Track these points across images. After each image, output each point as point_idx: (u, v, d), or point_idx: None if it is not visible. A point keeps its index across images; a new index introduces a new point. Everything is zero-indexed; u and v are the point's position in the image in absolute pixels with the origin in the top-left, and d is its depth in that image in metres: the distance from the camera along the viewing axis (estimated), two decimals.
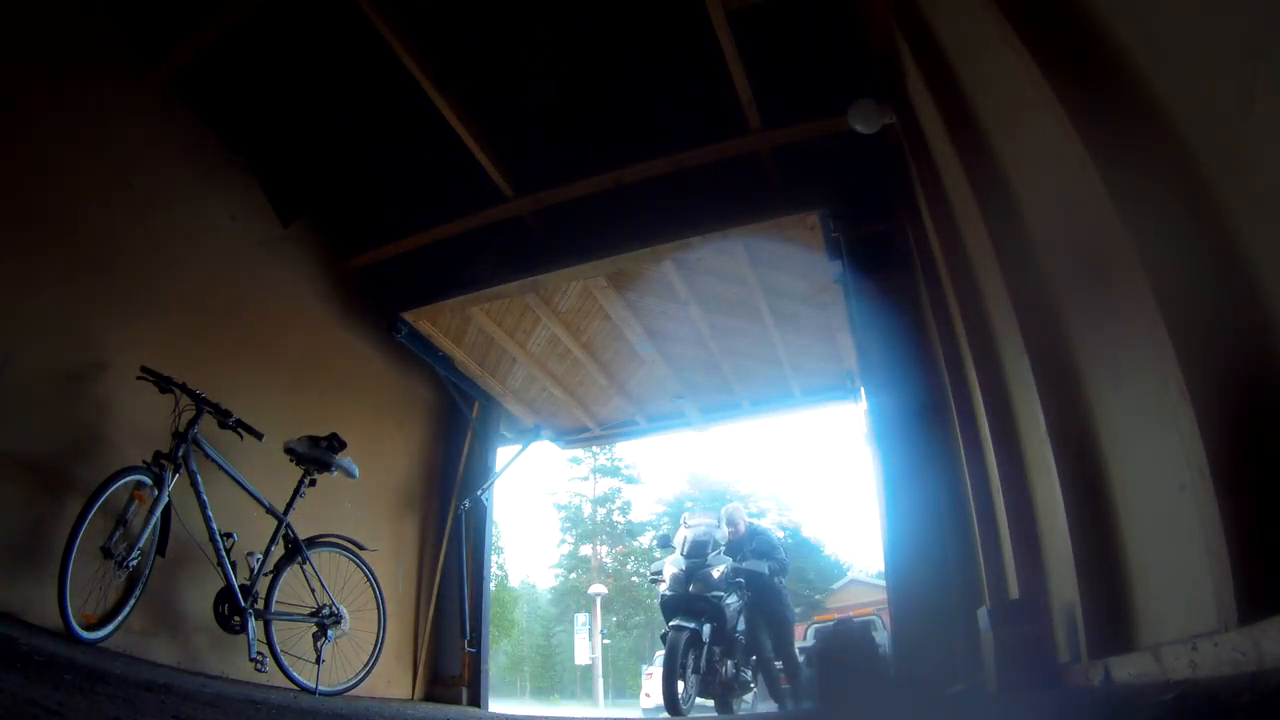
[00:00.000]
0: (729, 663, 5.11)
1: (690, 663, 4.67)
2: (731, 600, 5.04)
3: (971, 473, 3.17)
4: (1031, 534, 2.45)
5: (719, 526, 5.39)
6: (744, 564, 5.19)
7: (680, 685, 4.57)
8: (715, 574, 4.91)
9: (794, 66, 3.91)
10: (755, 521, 6.53)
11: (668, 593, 4.95)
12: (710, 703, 5.26)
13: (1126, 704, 1.42)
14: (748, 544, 5.52)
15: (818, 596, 28.81)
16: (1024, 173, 2.23)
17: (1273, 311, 1.11)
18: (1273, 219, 1.09)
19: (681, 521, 5.49)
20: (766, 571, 5.31)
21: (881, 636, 6.70)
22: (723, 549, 5.18)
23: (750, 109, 3.96)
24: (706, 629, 4.77)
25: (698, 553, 5.01)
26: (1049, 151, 1.77)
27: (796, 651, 5.53)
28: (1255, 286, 1.14)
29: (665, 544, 5.40)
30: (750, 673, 5.50)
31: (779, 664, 5.45)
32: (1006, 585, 2.78)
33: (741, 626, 5.22)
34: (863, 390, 5.01)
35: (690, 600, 4.80)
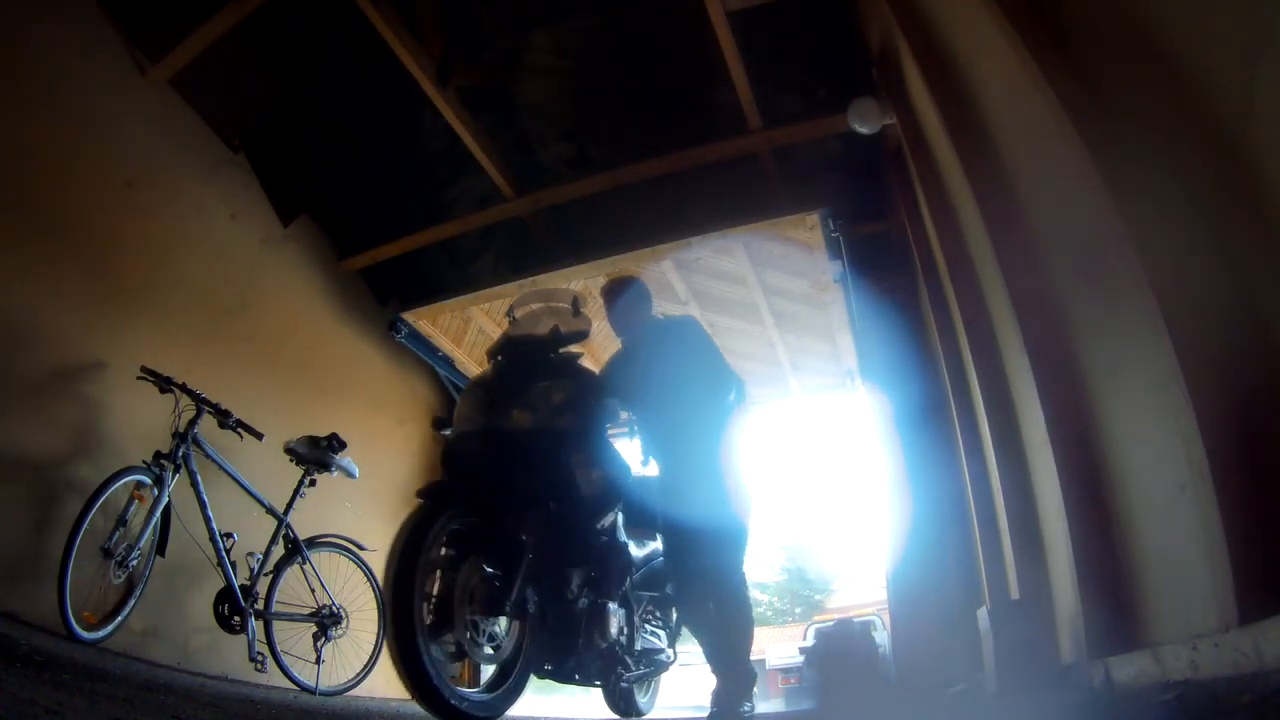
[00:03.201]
0: (613, 610, 2.38)
1: (477, 591, 2.04)
2: (600, 465, 2.35)
3: (971, 473, 3.17)
4: (1031, 534, 2.45)
5: (581, 310, 2.57)
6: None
7: (429, 652, 1.86)
8: (557, 394, 2.26)
9: (794, 66, 3.91)
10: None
11: (451, 436, 2.41)
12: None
13: (1126, 704, 1.42)
14: (659, 345, 2.57)
15: (818, 597, 28.73)
16: (1024, 173, 2.23)
17: (1272, 311, 1.11)
18: (1272, 219, 1.09)
19: (509, 312, 2.68)
20: (688, 409, 2.44)
21: (881, 636, 6.66)
22: (584, 356, 2.52)
23: (750, 109, 3.96)
24: (536, 518, 2.17)
25: (520, 354, 2.39)
26: (1049, 151, 1.77)
27: (751, 603, 2.59)
28: (1255, 287, 1.14)
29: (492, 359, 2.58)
30: (667, 634, 2.84)
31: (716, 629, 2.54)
32: (1007, 585, 2.78)
33: (652, 555, 2.61)
34: (862, 390, 5.01)
35: (490, 442, 2.20)
